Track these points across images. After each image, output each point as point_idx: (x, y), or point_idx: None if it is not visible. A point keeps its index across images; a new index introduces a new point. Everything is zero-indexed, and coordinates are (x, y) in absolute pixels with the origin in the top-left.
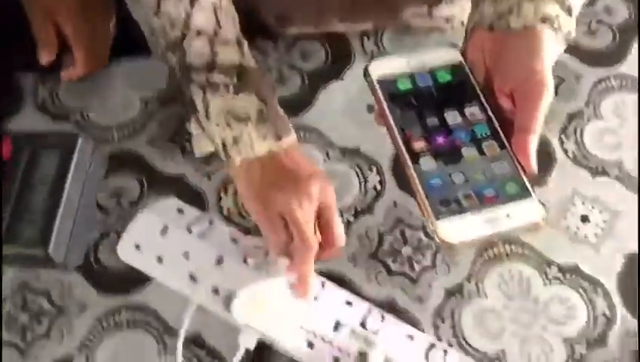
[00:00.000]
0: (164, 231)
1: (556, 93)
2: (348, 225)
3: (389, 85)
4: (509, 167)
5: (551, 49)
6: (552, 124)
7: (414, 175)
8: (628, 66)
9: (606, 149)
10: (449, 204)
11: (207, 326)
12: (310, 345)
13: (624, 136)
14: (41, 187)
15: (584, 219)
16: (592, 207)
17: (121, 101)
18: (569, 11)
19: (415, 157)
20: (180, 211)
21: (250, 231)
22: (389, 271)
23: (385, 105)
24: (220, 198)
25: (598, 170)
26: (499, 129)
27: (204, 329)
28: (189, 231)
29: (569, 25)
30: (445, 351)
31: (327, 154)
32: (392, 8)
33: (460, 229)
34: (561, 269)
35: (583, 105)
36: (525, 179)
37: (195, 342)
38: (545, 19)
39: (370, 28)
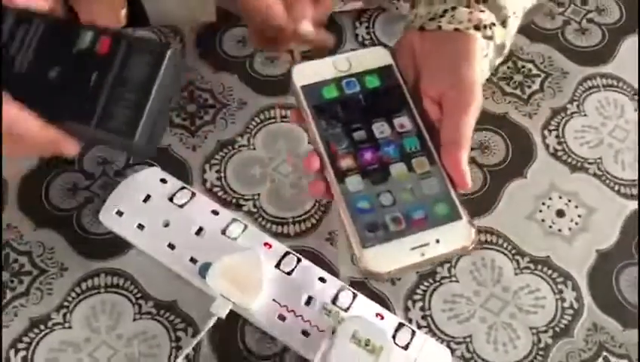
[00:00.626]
0: (147, 199)
1: (542, 88)
2: (327, 204)
3: (313, 92)
4: (439, 185)
5: (481, 57)
6: (535, 117)
7: (340, 196)
8: (615, 66)
9: (587, 146)
10: (376, 230)
11: (182, 293)
12: (281, 317)
13: (605, 134)
14: (132, 84)
15: (560, 213)
16: (569, 201)
17: None
18: (504, 23)
19: (341, 175)
20: (164, 181)
21: (231, 204)
22: None
23: (310, 115)
24: (204, 171)
25: (577, 166)
26: (429, 141)
27: (180, 296)
28: (171, 200)
29: (502, 36)
30: (413, 332)
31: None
32: None
33: (388, 258)
34: (532, 260)
35: (567, 102)
36: (456, 199)
37: (169, 308)
38: (478, 26)
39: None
